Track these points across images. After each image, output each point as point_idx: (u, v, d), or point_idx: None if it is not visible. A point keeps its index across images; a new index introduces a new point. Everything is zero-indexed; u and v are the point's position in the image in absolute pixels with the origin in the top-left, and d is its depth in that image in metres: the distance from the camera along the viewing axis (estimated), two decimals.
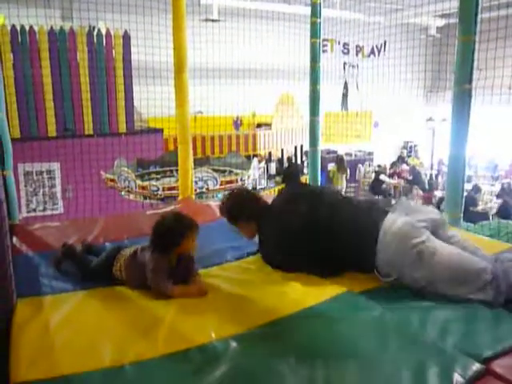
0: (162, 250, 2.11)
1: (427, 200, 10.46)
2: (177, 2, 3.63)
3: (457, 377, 1.42)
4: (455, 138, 3.16)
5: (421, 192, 10.55)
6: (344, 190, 11.20)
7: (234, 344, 1.65)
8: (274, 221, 2.40)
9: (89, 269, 2.34)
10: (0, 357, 1.65)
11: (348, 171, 11.42)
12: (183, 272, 2.17)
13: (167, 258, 2.11)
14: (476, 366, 1.47)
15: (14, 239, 2.79)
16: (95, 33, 7.34)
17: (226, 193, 2.86)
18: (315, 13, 4.21)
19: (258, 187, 7.92)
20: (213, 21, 10.34)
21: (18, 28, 6.83)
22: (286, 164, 11.16)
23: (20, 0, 6.74)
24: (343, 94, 12.81)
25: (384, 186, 11.26)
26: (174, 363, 1.57)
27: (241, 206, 2.52)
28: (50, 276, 2.35)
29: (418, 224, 2.08)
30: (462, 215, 3.23)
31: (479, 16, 3.04)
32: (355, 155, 13.54)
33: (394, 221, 2.11)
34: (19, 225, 3.20)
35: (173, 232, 2.12)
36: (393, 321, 1.80)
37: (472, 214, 7.68)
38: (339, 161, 11.22)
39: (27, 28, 6.86)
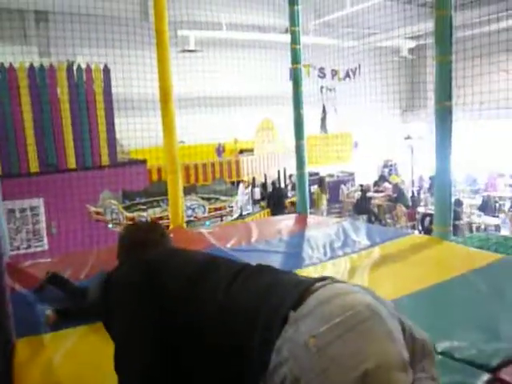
0: None
1: (411, 217, 10.59)
2: (160, 34, 3.70)
3: None
4: (440, 153, 3.24)
5: (404, 209, 10.68)
6: (326, 211, 11.28)
7: None
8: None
9: (88, 311, 2.19)
10: None
11: (327, 191, 11.59)
12: None
13: None
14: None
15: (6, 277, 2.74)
16: (75, 67, 7.38)
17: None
18: (295, 40, 4.33)
19: (244, 213, 7.93)
20: (190, 51, 10.50)
21: None
22: (270, 188, 11.22)
23: None
24: (322, 118, 13.04)
25: (372, 202, 11.43)
26: None
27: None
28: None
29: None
30: (451, 229, 3.29)
31: (454, 36, 3.17)
32: (337, 176, 13.71)
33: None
34: (10, 263, 3.14)
35: None
36: None
37: (456, 228, 7.80)
38: (320, 182, 11.38)
39: (7, 65, 6.87)
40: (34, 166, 7.24)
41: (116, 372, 1.21)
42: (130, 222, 5.58)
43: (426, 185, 12.47)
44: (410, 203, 10.89)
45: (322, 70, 12.50)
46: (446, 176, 3.23)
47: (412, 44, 13.33)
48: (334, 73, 12.75)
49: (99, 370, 1.69)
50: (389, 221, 11.15)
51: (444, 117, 3.18)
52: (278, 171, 11.80)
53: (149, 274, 1.28)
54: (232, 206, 5.90)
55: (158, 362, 1.17)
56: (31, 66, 7.08)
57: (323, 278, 1.13)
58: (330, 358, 0.94)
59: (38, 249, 7.19)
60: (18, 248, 7.19)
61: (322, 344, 0.95)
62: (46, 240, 7.28)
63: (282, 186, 11.79)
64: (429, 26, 9.36)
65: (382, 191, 12.31)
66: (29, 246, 7.28)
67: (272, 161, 11.36)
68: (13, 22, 8.20)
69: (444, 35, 3.15)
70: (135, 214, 5.80)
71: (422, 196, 11.69)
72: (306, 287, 1.08)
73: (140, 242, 1.61)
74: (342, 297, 1.03)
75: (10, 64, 6.84)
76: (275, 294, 1.10)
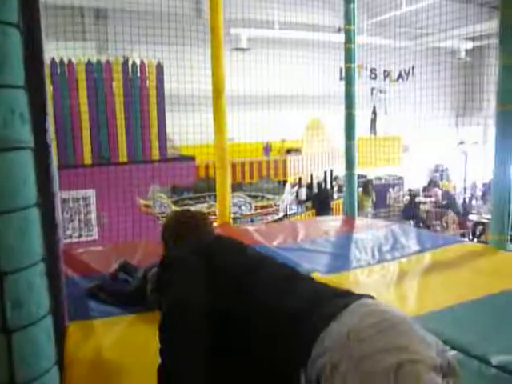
0: None
1: (462, 224, 10.22)
2: (215, 31, 3.74)
3: None
4: (499, 159, 3.10)
5: (455, 216, 10.31)
6: (371, 214, 11.05)
7: None
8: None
9: (123, 296, 2.36)
10: None
11: (374, 195, 11.32)
12: None
13: None
14: None
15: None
16: (130, 63, 7.58)
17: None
18: (349, 39, 4.25)
19: (289, 212, 7.90)
20: (242, 49, 10.56)
21: (58, 61, 7.11)
22: (315, 189, 11.11)
23: (59, 34, 7.07)
24: (372, 119, 12.81)
25: (421, 207, 11.11)
26: None
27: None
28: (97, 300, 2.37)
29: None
30: (509, 238, 3.13)
31: None
32: (385, 179, 13.41)
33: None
34: (64, 249, 3.26)
35: None
36: None
37: None
38: (364, 184, 11.15)
39: (66, 61, 7.14)
40: (87, 158, 7.49)
41: (160, 341, 1.27)
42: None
43: (479, 192, 11.99)
44: (462, 210, 10.51)
45: (373, 70, 12.29)
46: (505, 181, 3.08)
47: (469, 45, 12.85)
48: (387, 74, 12.50)
49: (141, 361, 1.72)
50: (438, 228, 10.79)
51: (506, 120, 3.04)
52: (325, 172, 11.67)
53: (204, 261, 1.35)
54: (278, 205, 5.88)
55: (207, 341, 1.22)
56: (89, 62, 7.33)
57: (363, 295, 1.25)
58: (369, 348, 1.03)
59: (89, 238, 7.45)
60: (71, 236, 7.47)
61: (363, 336, 1.05)
62: (95, 230, 7.52)
63: (328, 187, 11.65)
64: (490, 26, 9.00)
65: (430, 196, 11.95)
66: (80, 235, 7.55)
67: (319, 161, 11.25)
68: (73, 19, 8.52)
69: (510, 35, 3.00)
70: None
71: (473, 203, 11.26)
72: (351, 296, 1.22)
73: (189, 229, 1.71)
74: (381, 306, 1.17)
75: (69, 59, 7.10)
76: (325, 298, 1.23)
